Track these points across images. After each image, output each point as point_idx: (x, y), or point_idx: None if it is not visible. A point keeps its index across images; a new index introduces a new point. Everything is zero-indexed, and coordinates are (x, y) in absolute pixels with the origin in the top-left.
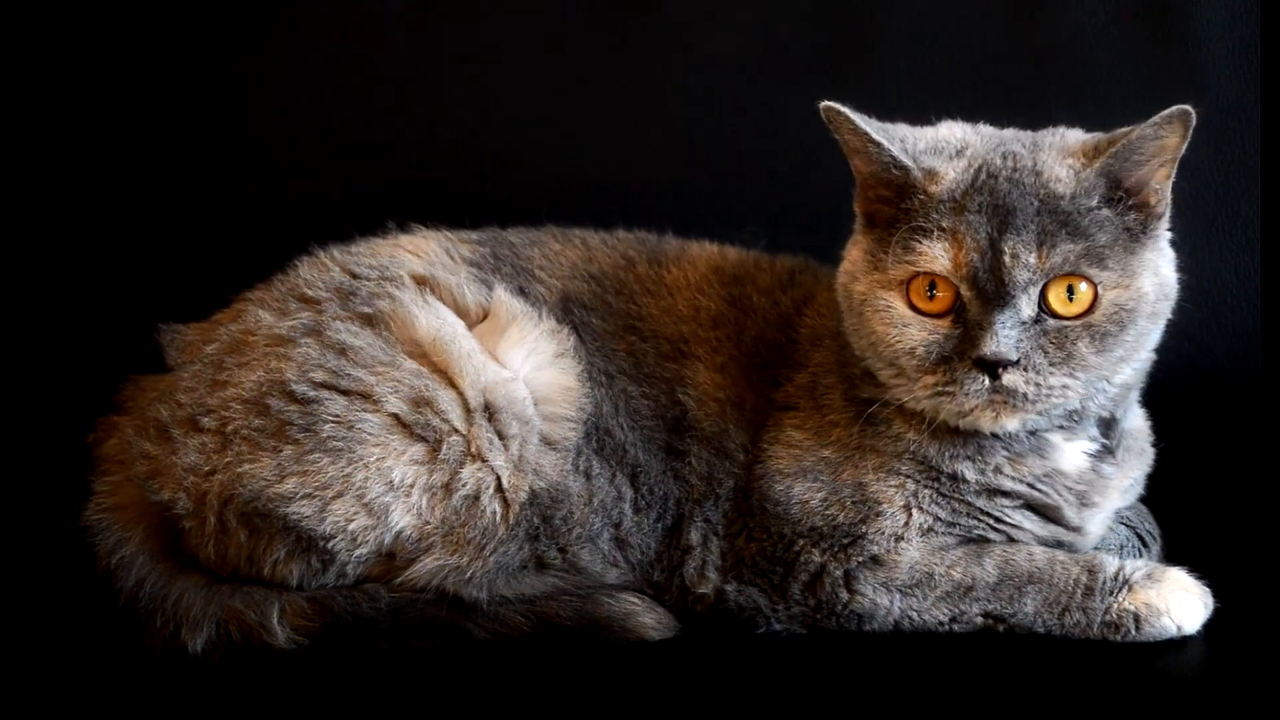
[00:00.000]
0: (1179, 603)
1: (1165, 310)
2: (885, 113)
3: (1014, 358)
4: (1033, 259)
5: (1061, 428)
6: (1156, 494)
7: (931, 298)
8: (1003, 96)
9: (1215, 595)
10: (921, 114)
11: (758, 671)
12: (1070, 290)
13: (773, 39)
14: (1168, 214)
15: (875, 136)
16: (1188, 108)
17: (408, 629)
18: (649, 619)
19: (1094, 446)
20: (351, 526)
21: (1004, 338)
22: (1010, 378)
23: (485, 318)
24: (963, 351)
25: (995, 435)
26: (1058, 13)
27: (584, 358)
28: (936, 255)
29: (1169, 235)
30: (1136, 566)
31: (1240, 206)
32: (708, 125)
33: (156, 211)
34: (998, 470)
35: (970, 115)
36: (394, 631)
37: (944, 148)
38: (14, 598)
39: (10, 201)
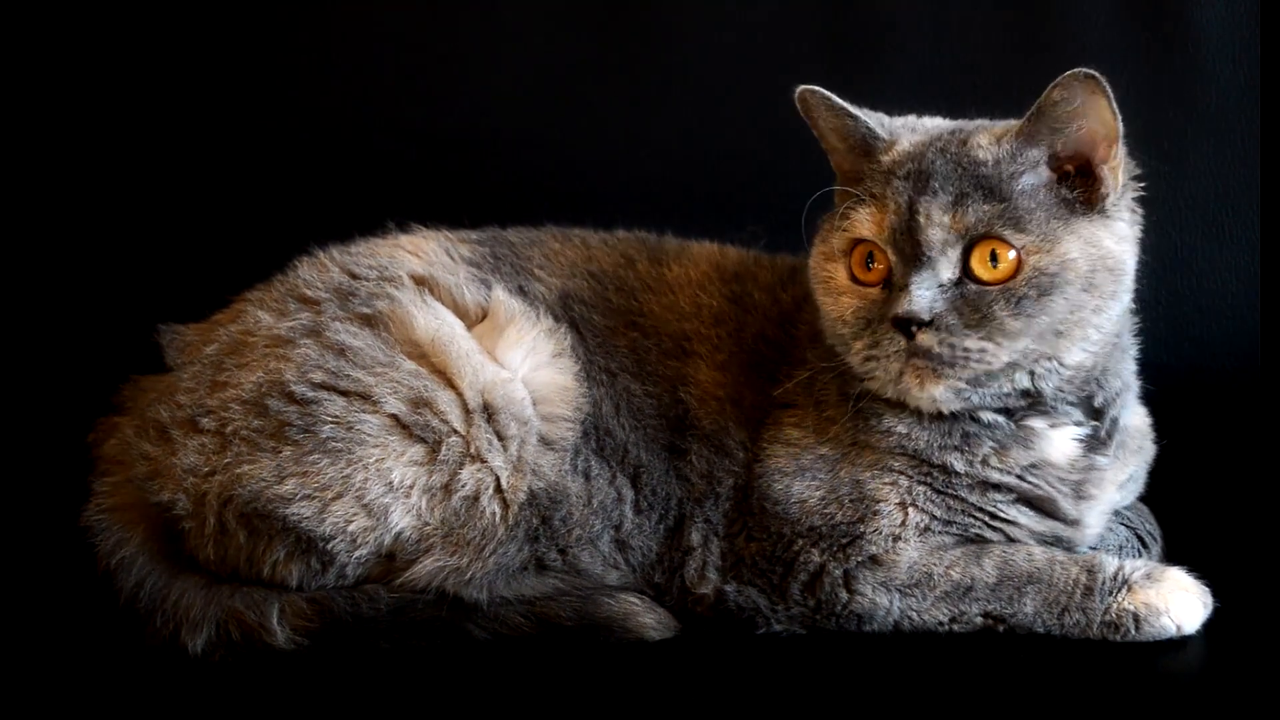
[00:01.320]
0: (1178, 602)
1: (1110, 286)
2: (883, 112)
3: (926, 317)
4: (946, 219)
5: (1030, 412)
6: (1156, 494)
7: (869, 268)
8: (1003, 97)
9: (1215, 595)
10: (921, 113)
11: (757, 672)
12: (994, 256)
13: (773, 39)
14: (1123, 195)
15: (851, 110)
16: (1086, 70)
17: (407, 629)
18: (649, 619)
19: (1082, 431)
20: (351, 527)
21: (918, 297)
22: (924, 338)
23: (484, 318)
24: (883, 314)
25: (976, 420)
26: (1058, 13)
27: (584, 355)
28: (864, 220)
29: (1131, 219)
30: (1136, 566)
31: (1240, 206)
32: (708, 125)
33: (156, 211)
34: (985, 461)
35: (970, 116)
36: (394, 632)
37: (907, 124)
38: (14, 598)
39: (10, 201)
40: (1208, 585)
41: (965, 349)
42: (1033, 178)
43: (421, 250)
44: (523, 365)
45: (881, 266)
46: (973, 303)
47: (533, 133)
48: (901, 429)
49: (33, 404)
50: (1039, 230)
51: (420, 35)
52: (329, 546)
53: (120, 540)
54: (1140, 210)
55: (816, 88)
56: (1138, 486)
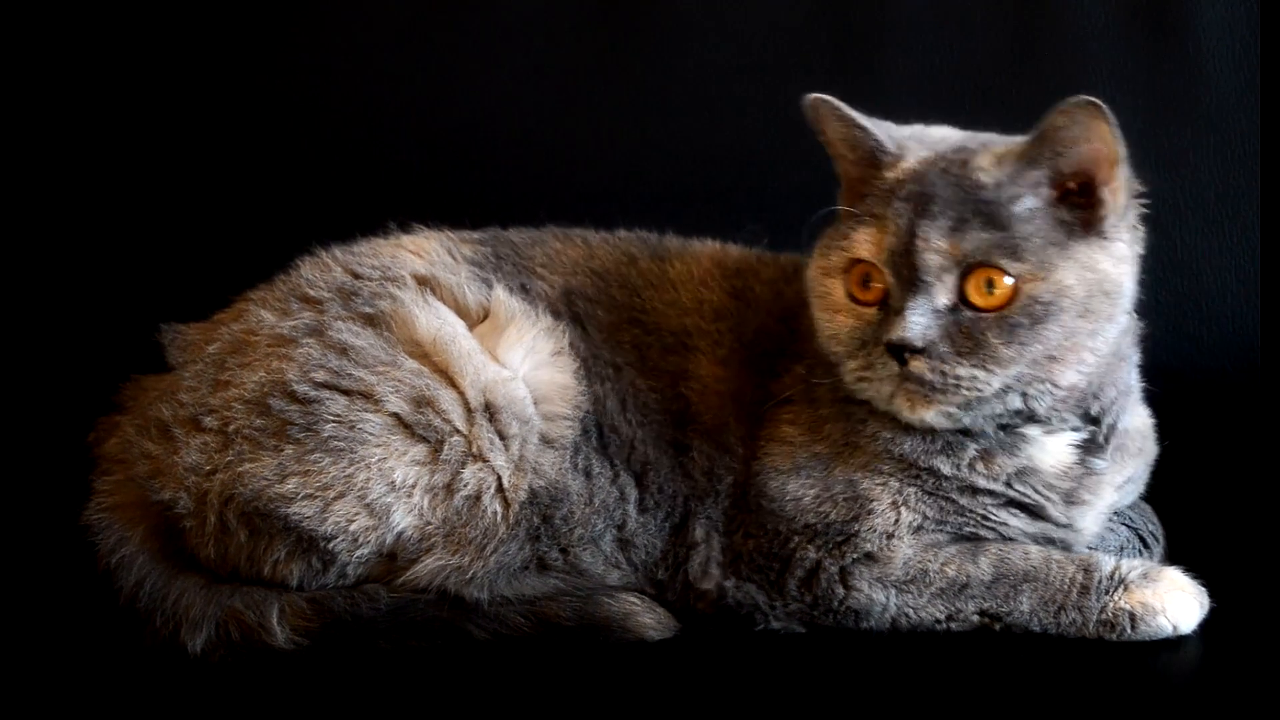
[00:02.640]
0: (1175, 602)
1: (1106, 309)
2: (885, 114)
3: (919, 344)
4: (944, 244)
5: (1028, 423)
6: (1156, 494)
7: (867, 287)
8: (1003, 97)
9: (1212, 595)
10: (921, 115)
11: (757, 672)
12: (990, 284)
13: (773, 39)
14: (1124, 216)
15: (861, 121)
16: (1088, 98)
17: (407, 629)
18: (649, 619)
19: (1078, 437)
20: (353, 527)
21: (912, 324)
22: (916, 364)
23: (486, 317)
24: (877, 337)
25: (963, 432)
26: (1057, 13)
27: (586, 352)
28: (864, 240)
29: (1132, 239)
30: (1133, 566)
31: (1240, 206)
32: (708, 125)
33: (156, 211)
34: (971, 466)
35: (970, 116)
36: (394, 632)
37: (915, 135)
38: (14, 597)
39: (10, 201)
40: (1205, 585)
41: (957, 376)
42: (1033, 200)
43: (424, 250)
44: (523, 364)
45: (879, 286)
46: (966, 330)
47: (533, 133)
48: (887, 434)
49: (33, 404)
50: (1036, 258)
51: (420, 35)
52: (330, 546)
53: (121, 539)
54: (1142, 228)
55: (827, 97)
56: (1138, 487)
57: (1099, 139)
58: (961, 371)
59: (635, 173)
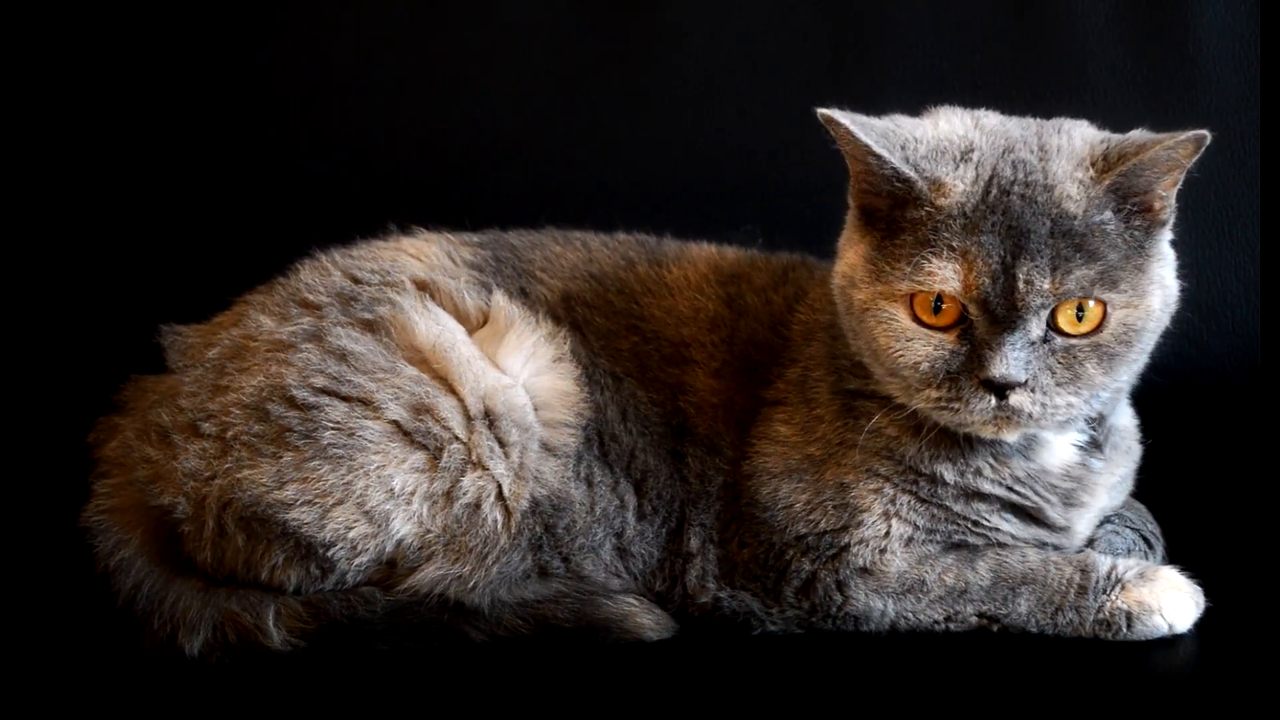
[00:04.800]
0: (1171, 601)
1: (1167, 320)
2: (884, 112)
3: (1023, 379)
4: (1046, 285)
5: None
6: (1156, 494)
7: (937, 312)
8: (1002, 97)
9: (1208, 594)
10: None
11: (757, 672)
12: (1080, 310)
13: (773, 39)
14: (1171, 219)
15: (876, 150)
16: (1205, 133)
17: (404, 631)
18: (647, 620)
19: (1082, 438)
20: (351, 534)
21: (1014, 360)
22: (1017, 398)
23: (486, 322)
24: (970, 370)
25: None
26: (1057, 13)
27: (586, 359)
28: (948, 277)
29: (1170, 237)
30: (1129, 565)
31: (1240, 206)
32: (708, 126)
33: (157, 211)
34: (978, 472)
35: None
36: (390, 634)
37: (947, 149)
38: (13, 598)
39: (10, 201)
40: (1201, 584)
41: (1055, 405)
42: (1114, 223)
43: (423, 254)
44: (523, 371)
45: (952, 309)
46: (1063, 360)
47: (533, 132)
48: (892, 431)
49: (33, 404)
50: (1130, 286)
51: (420, 35)
52: (329, 554)
53: (119, 542)
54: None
55: (841, 115)
56: (1128, 486)
57: (1185, 163)
58: (1059, 400)
59: (635, 173)
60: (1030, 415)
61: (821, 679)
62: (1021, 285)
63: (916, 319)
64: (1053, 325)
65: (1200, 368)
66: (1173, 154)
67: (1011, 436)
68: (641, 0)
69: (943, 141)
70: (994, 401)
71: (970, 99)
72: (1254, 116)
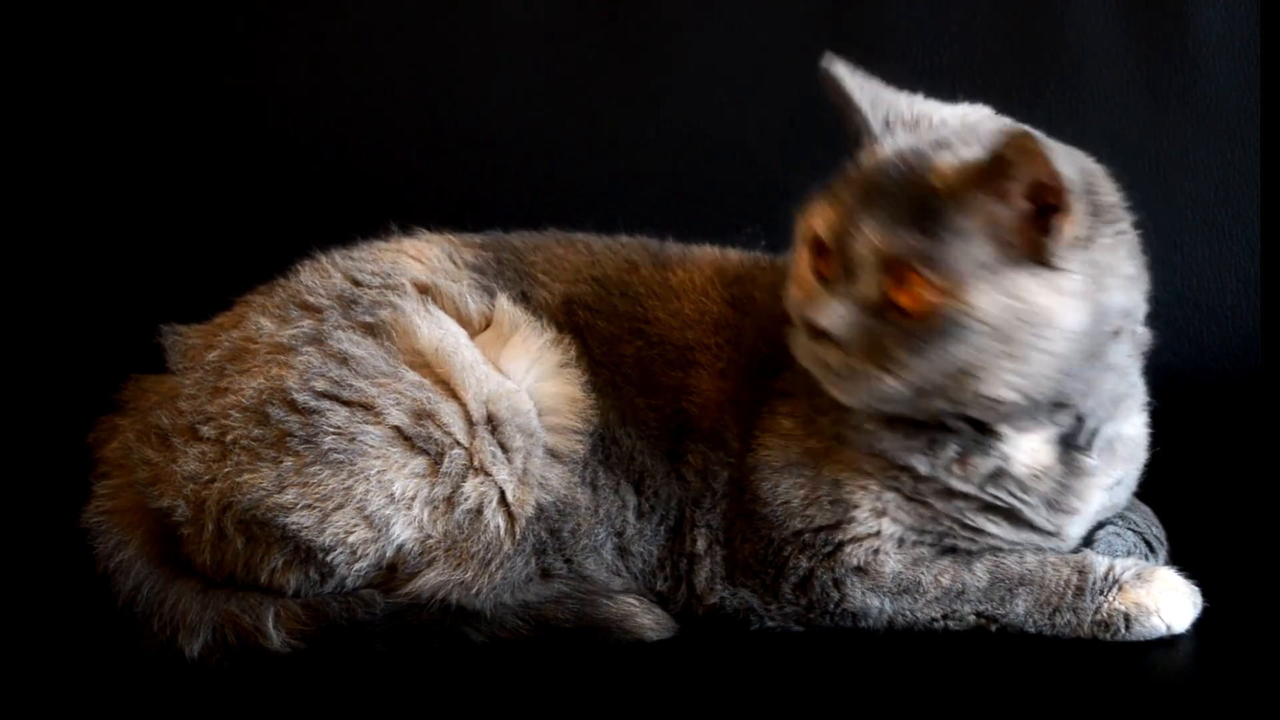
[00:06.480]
0: (1169, 602)
1: (1030, 339)
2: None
3: (824, 325)
4: (873, 238)
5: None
6: (1156, 495)
7: (823, 260)
8: (1002, 97)
9: (1208, 595)
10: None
11: (756, 672)
12: (907, 288)
13: (774, 39)
14: (1082, 249)
15: (854, 99)
16: (1024, 129)
17: (404, 633)
18: (647, 620)
19: (1053, 432)
20: (351, 539)
21: (830, 308)
22: (821, 348)
23: (488, 325)
24: (800, 311)
25: (942, 424)
26: (1057, 13)
27: (589, 364)
28: (818, 213)
29: (1092, 275)
30: (1126, 566)
31: (1240, 206)
32: (708, 126)
33: (157, 211)
34: (948, 468)
35: None
36: (390, 635)
37: (917, 124)
38: (13, 598)
39: (10, 201)
40: (1199, 585)
41: (855, 371)
42: (977, 218)
43: (425, 255)
44: (527, 376)
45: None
46: (875, 329)
47: (533, 132)
48: (870, 427)
49: (33, 404)
50: (953, 275)
51: (420, 35)
52: (329, 558)
53: (119, 543)
54: (1139, 257)
55: (834, 67)
56: (1129, 488)
57: (1039, 168)
58: (860, 369)
59: (635, 173)
60: (838, 373)
61: (821, 679)
62: (852, 230)
63: (816, 270)
64: (884, 297)
65: (1200, 368)
66: (1009, 148)
67: (844, 398)
68: (641, 1)
69: (924, 118)
70: (806, 341)
71: (970, 99)
72: (1254, 116)
